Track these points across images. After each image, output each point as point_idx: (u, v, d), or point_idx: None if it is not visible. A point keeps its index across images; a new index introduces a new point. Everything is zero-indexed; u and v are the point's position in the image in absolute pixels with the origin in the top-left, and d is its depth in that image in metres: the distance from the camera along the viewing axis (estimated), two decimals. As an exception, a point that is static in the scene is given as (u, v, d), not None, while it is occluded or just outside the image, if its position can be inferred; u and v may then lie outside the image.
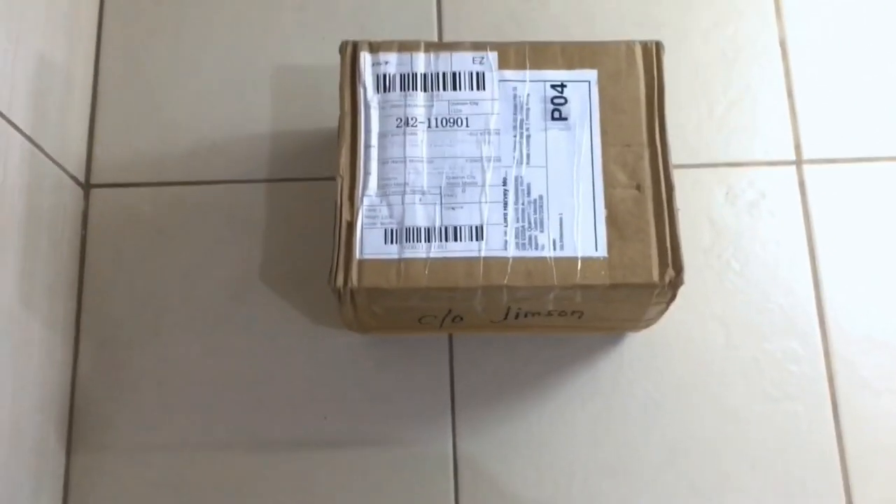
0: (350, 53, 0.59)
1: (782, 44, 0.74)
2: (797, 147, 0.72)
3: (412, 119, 0.57)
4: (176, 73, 0.73)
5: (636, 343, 0.67)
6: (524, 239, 0.55)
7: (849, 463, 0.65)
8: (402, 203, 0.56)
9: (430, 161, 0.56)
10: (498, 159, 0.57)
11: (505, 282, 0.54)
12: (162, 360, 0.67)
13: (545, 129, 0.57)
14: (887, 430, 0.65)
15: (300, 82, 0.72)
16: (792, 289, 0.69)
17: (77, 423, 0.66)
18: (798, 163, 0.72)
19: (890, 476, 0.64)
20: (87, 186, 0.70)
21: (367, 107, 0.58)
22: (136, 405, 0.66)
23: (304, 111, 0.71)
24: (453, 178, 0.56)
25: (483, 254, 0.55)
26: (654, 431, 0.66)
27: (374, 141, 0.57)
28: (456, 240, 0.55)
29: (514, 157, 0.57)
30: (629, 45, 0.59)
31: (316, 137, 0.70)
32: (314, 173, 0.70)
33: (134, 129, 0.72)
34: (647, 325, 0.64)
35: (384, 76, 0.58)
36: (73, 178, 0.69)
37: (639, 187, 0.56)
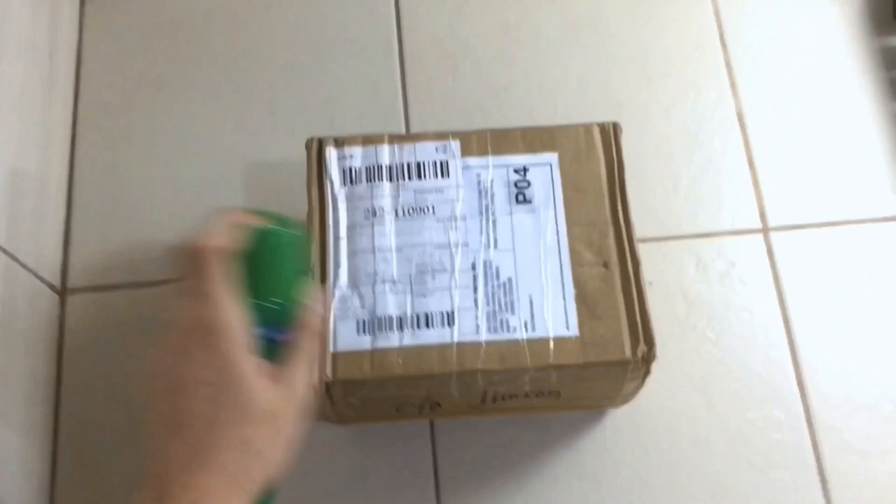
0: (316, 149, 0.60)
1: (740, 116, 0.77)
2: (762, 215, 0.73)
3: (379, 209, 0.58)
4: (149, 175, 0.75)
5: (618, 419, 0.67)
6: (496, 322, 0.55)
7: (840, 530, 0.64)
8: (373, 293, 0.56)
9: (399, 250, 0.57)
10: (466, 244, 0.57)
11: (479, 366, 0.54)
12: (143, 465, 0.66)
13: (510, 213, 0.58)
14: (875, 492, 0.65)
15: (271, 178, 0.74)
16: (769, 356, 0.69)
17: (56, 534, 0.65)
18: (764, 230, 0.73)
19: (882, 541, 0.64)
20: (63, 292, 0.71)
21: (335, 200, 0.59)
22: (117, 512, 0.65)
23: (276, 206, 0.72)
24: (422, 265, 0.57)
25: (456, 339, 0.55)
26: (641, 508, 0.65)
27: (343, 233, 0.58)
28: (428, 327, 0.55)
29: (481, 242, 0.57)
30: (587, 127, 0.61)
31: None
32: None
33: (109, 233, 0.73)
34: (625, 401, 0.64)
35: (350, 169, 0.59)
36: (49, 284, 0.69)
37: (605, 265, 0.57)
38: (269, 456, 0.44)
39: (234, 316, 0.43)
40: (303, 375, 0.46)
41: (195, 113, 0.77)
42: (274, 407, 0.44)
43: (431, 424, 0.67)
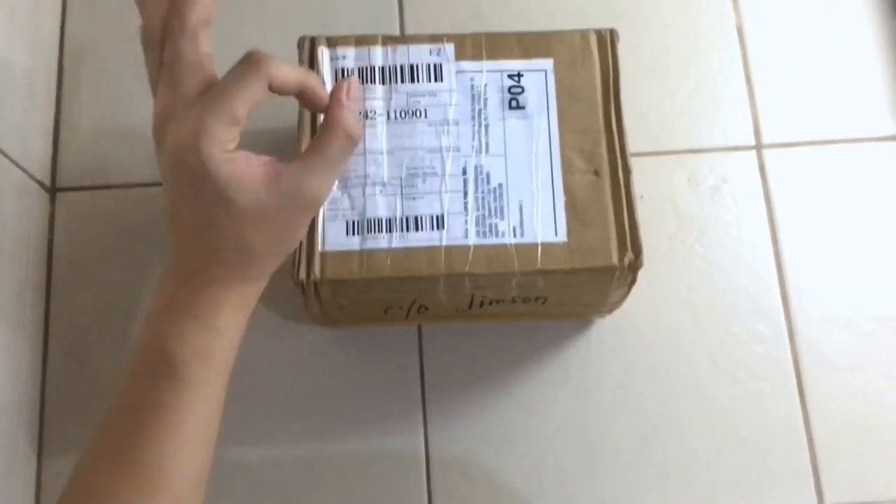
0: (308, 49, 0.59)
1: (739, 31, 0.75)
2: (757, 132, 0.73)
3: (371, 112, 0.58)
4: (140, 74, 0.73)
5: (604, 329, 0.68)
6: (485, 227, 0.56)
7: (815, 440, 0.66)
8: (363, 195, 0.56)
9: (391, 153, 0.57)
10: (457, 149, 0.57)
11: (466, 269, 0.55)
12: (132, 361, 0.67)
13: (503, 119, 0.58)
14: (852, 406, 0.66)
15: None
16: (755, 271, 0.70)
17: (48, 426, 0.66)
18: (758, 147, 0.73)
19: (856, 451, 0.65)
20: (52, 190, 0.71)
21: (327, 101, 0.58)
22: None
23: (269, 109, 0.72)
24: (413, 168, 0.57)
25: (444, 242, 0.55)
26: (624, 416, 0.66)
27: (334, 134, 0.57)
28: (417, 229, 0.55)
29: (473, 147, 0.57)
30: (584, 33, 0.60)
31: (280, 134, 0.70)
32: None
33: (99, 132, 0.72)
34: (611, 310, 0.65)
35: (342, 70, 0.59)
36: (39, 182, 0.69)
37: (597, 172, 0.57)
38: (262, 250, 0.47)
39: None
40: (316, 169, 0.47)
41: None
42: (260, 203, 0.45)
43: (419, 330, 0.67)
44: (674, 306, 0.69)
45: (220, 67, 0.74)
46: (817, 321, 0.68)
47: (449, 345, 0.67)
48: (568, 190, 0.56)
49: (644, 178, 0.70)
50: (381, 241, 0.55)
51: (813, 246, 0.70)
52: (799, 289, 0.69)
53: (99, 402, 0.65)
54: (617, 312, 0.66)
